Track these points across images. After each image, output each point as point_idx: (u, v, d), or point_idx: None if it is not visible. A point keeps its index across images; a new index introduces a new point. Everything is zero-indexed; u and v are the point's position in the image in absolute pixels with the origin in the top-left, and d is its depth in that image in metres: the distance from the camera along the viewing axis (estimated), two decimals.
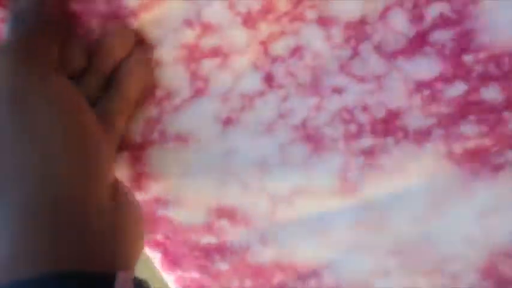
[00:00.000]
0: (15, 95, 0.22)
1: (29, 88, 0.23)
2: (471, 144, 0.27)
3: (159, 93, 0.30)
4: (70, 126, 0.23)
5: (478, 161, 0.27)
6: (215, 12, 0.29)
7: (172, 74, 0.30)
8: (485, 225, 0.28)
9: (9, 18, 0.26)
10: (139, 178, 0.31)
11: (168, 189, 0.31)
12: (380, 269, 0.29)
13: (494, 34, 0.26)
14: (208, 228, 0.31)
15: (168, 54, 0.29)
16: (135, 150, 0.31)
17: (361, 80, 0.28)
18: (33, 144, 0.22)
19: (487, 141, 0.27)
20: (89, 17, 0.28)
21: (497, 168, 0.27)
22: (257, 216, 0.30)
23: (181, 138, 0.31)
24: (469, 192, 0.28)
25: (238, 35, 0.29)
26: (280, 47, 0.29)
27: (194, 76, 0.30)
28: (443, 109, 0.27)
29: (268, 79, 0.29)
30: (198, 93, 0.30)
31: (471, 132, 0.27)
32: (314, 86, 0.29)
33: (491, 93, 0.27)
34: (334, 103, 0.28)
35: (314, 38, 0.28)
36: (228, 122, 0.30)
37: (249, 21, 0.29)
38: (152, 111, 0.30)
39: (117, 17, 0.29)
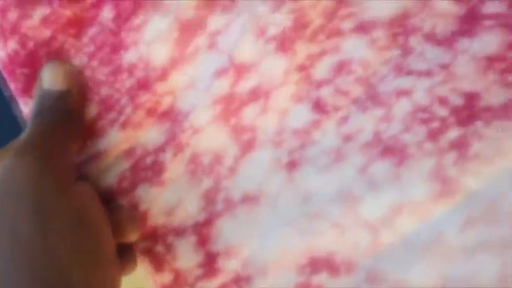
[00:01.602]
0: (38, 209, 0.22)
1: (51, 204, 0.22)
2: None
3: (206, 160, 0.28)
4: (88, 254, 0.23)
5: None
6: (247, 47, 0.27)
7: (214, 135, 0.28)
8: None
9: (32, 112, 0.26)
10: (211, 261, 0.28)
11: (247, 261, 0.28)
12: None
13: None
14: None
15: (204, 117, 0.27)
16: (200, 229, 0.28)
17: (427, 74, 0.25)
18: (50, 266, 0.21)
19: None
20: (116, 95, 0.28)
21: None
22: (360, 253, 0.26)
23: (250, 199, 0.27)
24: None
25: (275, 65, 0.27)
26: (323, 69, 0.26)
27: (238, 130, 0.27)
28: None
29: (318, 106, 0.27)
30: (248, 146, 0.27)
31: None
32: (374, 97, 0.26)
33: None
34: (404, 107, 0.26)
35: (357, 48, 0.26)
36: (292, 165, 0.27)
37: (283, 44, 0.26)
38: (206, 182, 0.28)
39: (146, 85, 0.28)
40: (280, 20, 0.26)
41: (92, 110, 0.28)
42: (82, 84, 0.28)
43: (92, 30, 0.28)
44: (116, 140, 0.28)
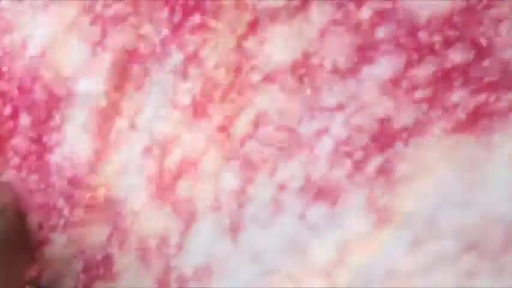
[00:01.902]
0: None
1: None
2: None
3: (153, 243, 0.27)
4: None
5: None
6: (164, 121, 0.27)
7: (155, 216, 0.27)
8: None
9: None
10: None
11: None
12: None
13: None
14: None
15: (141, 199, 0.27)
16: None
17: (340, 107, 0.26)
18: None
19: None
20: None
21: None
22: None
23: (201, 271, 0.27)
24: None
25: (196, 133, 0.27)
26: (242, 126, 0.26)
27: (176, 205, 0.27)
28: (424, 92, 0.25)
29: (246, 162, 0.27)
30: (190, 219, 0.27)
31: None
32: (297, 141, 0.26)
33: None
34: (326, 145, 0.26)
35: (270, 98, 0.26)
36: (235, 228, 0.27)
37: (197, 111, 0.27)
38: (156, 265, 0.27)
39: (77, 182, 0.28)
40: (190, 89, 0.26)
41: (31, 220, 0.28)
42: (14, 199, 0.28)
43: (14, 142, 0.28)
44: (62, 245, 0.28)
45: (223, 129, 0.27)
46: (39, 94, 0.28)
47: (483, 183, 0.24)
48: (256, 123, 0.26)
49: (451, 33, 0.25)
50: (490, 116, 0.24)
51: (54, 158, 0.28)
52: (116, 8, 0.27)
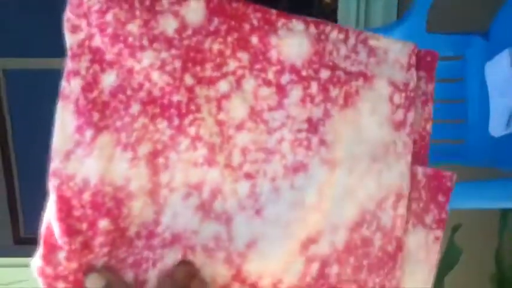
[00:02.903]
0: None
1: None
2: None
3: (212, 243, 0.41)
4: None
5: None
6: (192, 178, 0.42)
7: (207, 228, 0.41)
8: None
9: None
10: None
11: None
12: None
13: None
14: None
15: (194, 220, 0.42)
16: None
17: (283, 125, 0.43)
18: None
19: None
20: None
21: None
22: None
23: (252, 243, 0.41)
24: None
25: (213, 173, 0.42)
26: (236, 158, 0.42)
27: (218, 217, 0.42)
28: (318, 98, 0.44)
29: (249, 176, 0.42)
30: (229, 222, 0.42)
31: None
32: (270, 152, 0.43)
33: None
34: (285, 146, 0.43)
35: (244, 137, 0.43)
36: (259, 212, 0.42)
37: (210, 162, 0.42)
38: (222, 254, 0.41)
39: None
40: (200, 154, 0.42)
41: (127, 277, 0.40)
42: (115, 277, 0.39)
43: (98, 240, 0.40)
44: (156, 277, 0.40)
45: (227, 166, 0.42)
46: (110, 203, 0.39)
47: (364, 128, 0.44)
48: (244, 154, 0.42)
49: (315, 66, 0.44)
50: (351, 96, 0.44)
51: (131, 228, 0.40)
52: (135, 135, 0.40)
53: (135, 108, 0.40)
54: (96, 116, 0.39)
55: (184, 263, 0.40)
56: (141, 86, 0.40)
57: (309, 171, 0.42)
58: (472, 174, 0.93)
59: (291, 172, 0.42)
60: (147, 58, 0.40)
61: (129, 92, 0.40)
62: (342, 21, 1.52)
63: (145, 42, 0.39)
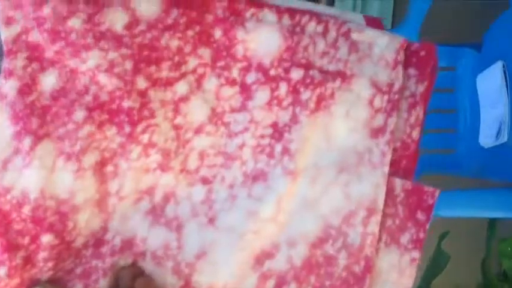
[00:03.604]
0: None
1: None
2: None
3: (161, 252, 0.39)
4: None
5: None
6: (142, 183, 0.39)
7: (157, 234, 0.39)
8: None
9: None
10: None
11: None
12: None
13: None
14: None
15: (143, 226, 0.40)
16: None
17: (245, 130, 0.40)
18: None
19: None
20: None
21: None
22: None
23: (202, 254, 0.39)
24: None
25: (166, 179, 0.40)
26: (194, 162, 0.40)
27: (168, 223, 0.40)
28: (286, 101, 0.40)
29: (205, 181, 0.40)
30: (180, 229, 0.39)
31: None
32: (229, 157, 0.40)
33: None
34: (247, 153, 0.40)
35: (202, 141, 0.41)
36: (212, 221, 0.40)
37: (164, 168, 0.39)
38: (169, 263, 0.39)
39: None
40: (154, 160, 0.38)
41: (78, 286, 0.38)
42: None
43: (41, 255, 0.37)
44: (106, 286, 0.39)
45: (182, 170, 0.39)
46: (52, 218, 0.36)
47: (335, 134, 0.40)
48: (201, 157, 0.39)
49: (286, 64, 0.39)
50: (325, 99, 0.39)
51: (78, 240, 0.37)
52: (80, 144, 0.36)
53: (79, 114, 0.36)
54: (35, 122, 0.34)
55: (129, 265, 0.38)
56: (86, 89, 0.36)
57: (269, 180, 0.39)
58: (462, 184, 0.94)
59: (250, 180, 0.40)
60: (92, 58, 0.35)
61: (72, 96, 0.36)
62: None
63: (90, 40, 0.34)
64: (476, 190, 1.03)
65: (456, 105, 1.20)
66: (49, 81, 0.35)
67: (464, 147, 1.18)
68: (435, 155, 1.19)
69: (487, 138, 1.09)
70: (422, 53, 0.42)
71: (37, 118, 0.35)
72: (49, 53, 0.35)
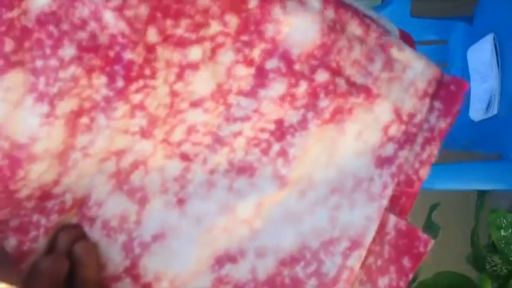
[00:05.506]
0: None
1: None
2: None
3: (114, 223, 0.35)
4: None
5: None
6: (118, 143, 0.34)
7: (115, 202, 0.35)
8: None
9: None
10: None
11: (174, 279, 0.36)
12: None
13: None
14: None
15: (103, 192, 0.35)
16: (130, 271, 0.35)
17: (246, 118, 0.36)
18: None
19: None
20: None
21: None
22: (244, 241, 0.37)
23: (158, 236, 0.35)
24: None
25: (144, 146, 0.35)
26: (178, 135, 0.35)
27: (131, 192, 0.35)
28: (301, 102, 0.36)
29: (184, 157, 0.36)
30: (144, 201, 0.35)
31: None
32: (219, 141, 0.36)
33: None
34: (241, 141, 0.36)
35: (196, 116, 0.36)
36: (181, 202, 0.36)
37: (144, 134, 0.34)
38: (120, 237, 0.35)
39: (46, 197, 0.33)
40: (137, 123, 0.33)
41: (10, 243, 0.32)
42: None
43: None
44: (45, 246, 0.33)
45: (163, 140, 0.35)
46: (1, 162, 0.30)
47: (339, 152, 0.37)
48: (189, 132, 0.35)
49: (314, 62, 0.34)
50: (342, 113, 0.36)
51: (23, 190, 0.31)
52: (59, 86, 0.30)
53: (68, 51, 0.29)
54: (9, 44, 0.28)
55: (70, 226, 0.34)
56: (83, 23, 0.29)
57: (255, 178, 0.36)
58: (452, 157, 0.95)
59: (235, 170, 0.36)
60: None
61: (64, 27, 0.29)
62: None
63: None
64: (466, 163, 1.04)
65: None
66: (40, 0, 0.29)
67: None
68: None
69: (477, 112, 1.10)
70: (452, 88, 0.37)
71: (12, 40, 0.28)
72: None
